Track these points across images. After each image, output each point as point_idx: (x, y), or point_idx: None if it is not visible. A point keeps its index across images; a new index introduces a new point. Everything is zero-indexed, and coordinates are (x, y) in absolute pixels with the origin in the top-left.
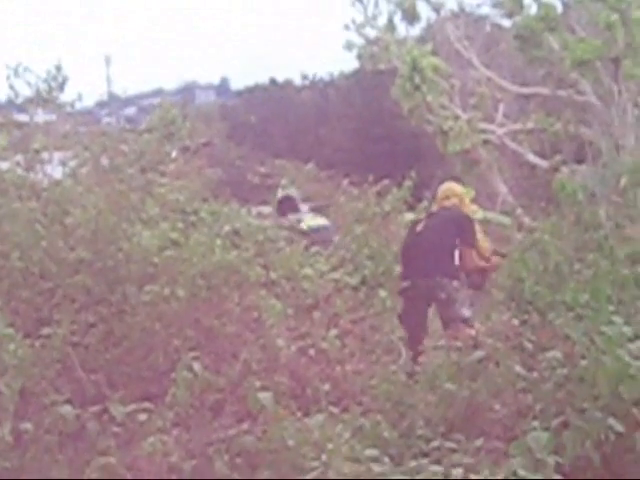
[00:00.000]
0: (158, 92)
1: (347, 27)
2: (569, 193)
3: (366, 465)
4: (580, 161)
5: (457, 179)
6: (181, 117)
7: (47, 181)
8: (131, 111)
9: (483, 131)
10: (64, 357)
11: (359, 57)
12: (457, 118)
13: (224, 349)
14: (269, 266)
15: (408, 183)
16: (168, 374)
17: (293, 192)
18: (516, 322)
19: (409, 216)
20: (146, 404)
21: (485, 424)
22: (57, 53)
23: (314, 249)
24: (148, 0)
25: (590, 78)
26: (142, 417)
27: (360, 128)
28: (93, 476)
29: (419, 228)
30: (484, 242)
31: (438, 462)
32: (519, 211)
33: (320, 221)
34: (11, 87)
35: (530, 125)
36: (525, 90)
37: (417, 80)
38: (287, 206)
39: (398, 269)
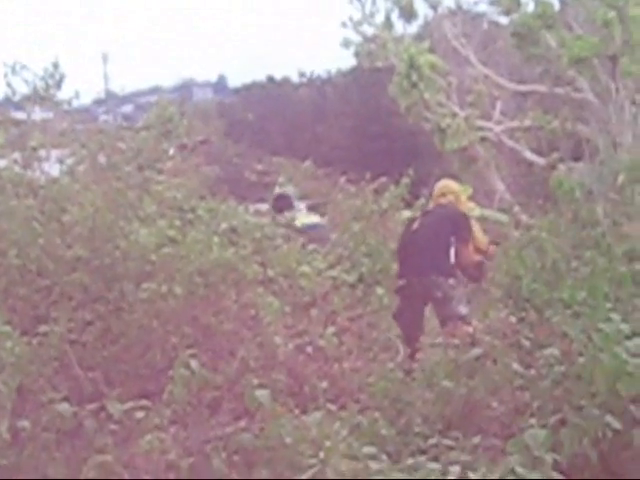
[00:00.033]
0: (155, 90)
1: (344, 25)
2: (566, 191)
3: (364, 462)
4: (577, 159)
5: (454, 177)
6: (178, 115)
7: (44, 179)
8: (128, 109)
9: (480, 129)
10: (61, 355)
11: (356, 55)
12: (454, 115)
13: (221, 347)
14: (266, 264)
15: (405, 180)
16: (165, 372)
17: (290, 190)
18: (513, 319)
19: (406, 213)
20: (143, 402)
21: (482, 421)
22: (55, 51)
23: (311, 247)
24: None
25: (587, 76)
26: (139, 415)
27: (357, 126)
28: (90, 474)
29: (414, 226)
30: (481, 236)
31: (436, 459)
32: (516, 208)
33: (314, 219)
34: (8, 85)
35: (527, 122)
36: (522, 88)
37: (414, 78)
38: (282, 204)
39: (395, 267)
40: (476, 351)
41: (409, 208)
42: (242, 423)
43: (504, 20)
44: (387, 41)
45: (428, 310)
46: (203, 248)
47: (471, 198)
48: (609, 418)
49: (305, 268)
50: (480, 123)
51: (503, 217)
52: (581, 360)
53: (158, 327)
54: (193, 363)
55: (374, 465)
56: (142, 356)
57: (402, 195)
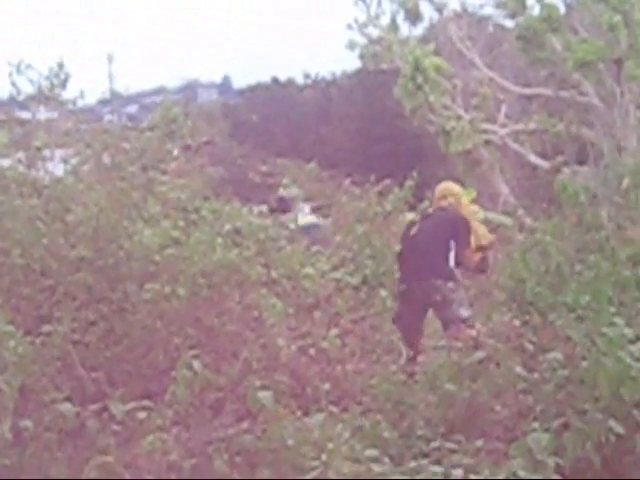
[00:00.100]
0: (160, 90)
1: (350, 26)
2: (571, 194)
3: (366, 465)
4: (582, 162)
5: (458, 179)
6: (183, 115)
7: (48, 178)
8: (133, 109)
9: (485, 131)
10: (64, 355)
11: (361, 57)
12: (459, 118)
13: (224, 348)
14: (270, 265)
15: (410, 183)
16: (168, 372)
17: (294, 191)
18: (517, 323)
19: (410, 216)
20: (146, 402)
21: (485, 425)
22: (60, 51)
23: (314, 248)
24: None
25: (592, 79)
26: (142, 415)
27: (362, 128)
28: (92, 474)
29: (414, 231)
30: (483, 233)
31: (438, 462)
32: (521, 212)
33: (311, 219)
34: (13, 84)
35: (532, 126)
36: (527, 91)
37: (419, 80)
38: (280, 206)
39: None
40: (479, 354)
41: (413, 210)
42: (244, 424)
43: (510, 23)
44: (392, 43)
45: (430, 314)
46: (207, 249)
47: (475, 201)
48: (612, 422)
49: (309, 270)
50: (485, 126)
51: (507, 220)
52: (584, 364)
53: (161, 328)
54: (196, 364)
55: (376, 468)
56: (145, 357)
57: (406, 197)
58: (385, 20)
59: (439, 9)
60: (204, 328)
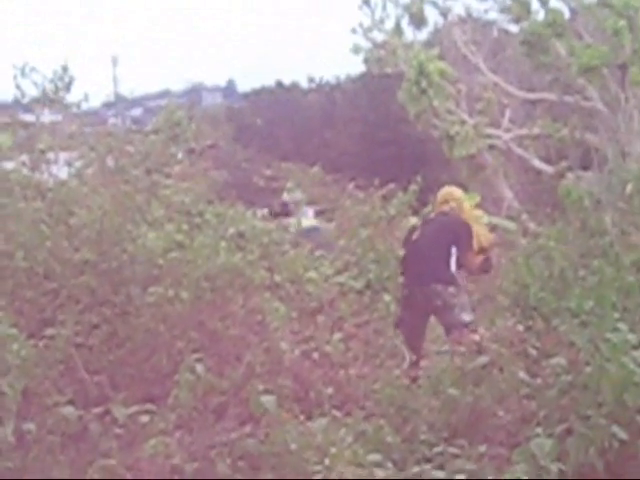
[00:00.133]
0: (165, 93)
1: (354, 30)
2: (575, 199)
3: (369, 470)
4: (586, 167)
5: (462, 184)
6: (187, 119)
7: (52, 181)
8: (137, 112)
9: (489, 136)
10: (67, 358)
11: (366, 61)
12: (463, 123)
13: (227, 352)
14: (274, 269)
15: (414, 187)
16: (171, 376)
17: (298, 195)
18: (521, 328)
19: (414, 220)
20: (149, 406)
21: (489, 430)
22: (64, 53)
23: (318, 252)
24: (156, 2)
25: (597, 84)
26: (144, 419)
27: (366, 132)
28: (95, 477)
29: (415, 236)
30: (485, 234)
31: (441, 467)
32: (524, 216)
33: (311, 223)
34: (18, 87)
35: (536, 131)
36: (531, 96)
37: (424, 84)
38: (282, 210)
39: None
40: (483, 359)
41: (417, 215)
42: (247, 428)
43: (514, 28)
44: (397, 47)
45: (433, 318)
46: (210, 253)
47: (479, 205)
48: (615, 428)
49: (312, 274)
50: (489, 131)
51: (511, 225)
52: (588, 370)
53: (164, 331)
54: (199, 368)
55: (379, 472)
56: (148, 360)
57: (410, 202)
58: (390, 24)
59: (444, 14)
60: (207, 332)
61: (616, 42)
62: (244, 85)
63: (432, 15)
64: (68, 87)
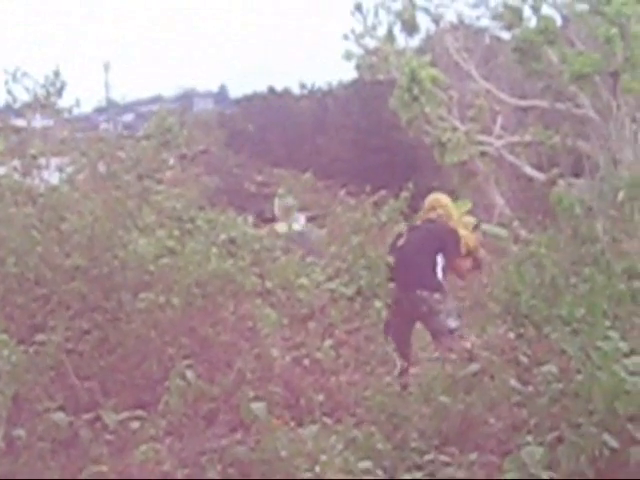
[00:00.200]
0: (157, 99)
1: (346, 37)
2: (566, 206)
3: (359, 477)
4: (577, 175)
5: (451, 191)
6: (178, 125)
7: (44, 187)
8: (129, 117)
9: (481, 143)
10: (58, 364)
11: (358, 67)
12: (455, 130)
13: (218, 358)
14: (265, 275)
15: (405, 194)
16: (162, 382)
17: (290, 201)
18: (512, 336)
19: (403, 227)
20: (139, 412)
21: (479, 438)
22: (56, 59)
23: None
24: (148, 7)
25: (589, 92)
26: (135, 425)
27: (358, 138)
28: None
29: (401, 242)
30: (470, 238)
31: (432, 475)
32: (516, 223)
33: (295, 227)
34: (9, 92)
35: (528, 138)
36: (523, 103)
37: (416, 91)
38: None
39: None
40: (474, 367)
41: (408, 221)
42: (238, 435)
43: (506, 35)
44: (389, 54)
45: (420, 325)
46: (201, 259)
47: (470, 212)
48: (606, 436)
49: (303, 280)
50: (480, 137)
51: (502, 232)
52: (579, 378)
53: (155, 337)
54: (189, 374)
55: None
56: (138, 366)
57: (401, 208)
58: (382, 31)
59: (436, 20)
60: (198, 338)
61: (608, 50)
62: (236, 91)
63: (424, 22)
64: (60, 92)
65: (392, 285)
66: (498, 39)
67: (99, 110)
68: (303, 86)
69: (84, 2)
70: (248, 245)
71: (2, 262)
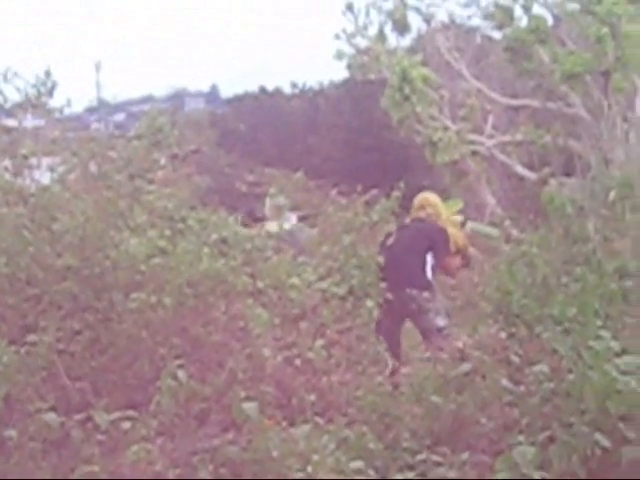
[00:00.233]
0: (148, 99)
1: (338, 36)
2: (557, 206)
3: (351, 477)
4: (569, 174)
5: (442, 190)
6: (170, 124)
7: (35, 187)
8: (120, 117)
9: (472, 142)
10: (49, 364)
11: (349, 67)
12: (446, 129)
13: (210, 358)
14: (256, 275)
15: (396, 193)
16: (153, 382)
17: (281, 201)
18: (503, 335)
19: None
20: (130, 412)
21: (471, 437)
22: (47, 59)
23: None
24: (140, 8)
25: (580, 91)
26: (126, 425)
27: (349, 138)
28: None
29: (389, 242)
30: (458, 236)
31: (423, 475)
32: (507, 223)
33: (284, 226)
34: (0, 92)
35: (519, 137)
36: (514, 102)
37: (407, 91)
38: (252, 215)
39: None
40: (465, 366)
41: (399, 221)
42: (229, 435)
43: (497, 34)
44: (380, 54)
45: (410, 324)
46: (193, 259)
47: (462, 212)
48: (598, 436)
49: (295, 280)
50: (472, 137)
51: (493, 231)
52: (571, 377)
53: (147, 337)
54: (181, 374)
55: None
56: (130, 366)
57: (393, 208)
58: (373, 30)
59: (427, 20)
60: (190, 338)
61: (599, 49)
62: (227, 91)
63: (415, 21)
64: (51, 92)
65: (384, 285)
66: (489, 38)
67: (90, 110)
68: (294, 86)
69: (75, 2)
70: (240, 245)
71: None
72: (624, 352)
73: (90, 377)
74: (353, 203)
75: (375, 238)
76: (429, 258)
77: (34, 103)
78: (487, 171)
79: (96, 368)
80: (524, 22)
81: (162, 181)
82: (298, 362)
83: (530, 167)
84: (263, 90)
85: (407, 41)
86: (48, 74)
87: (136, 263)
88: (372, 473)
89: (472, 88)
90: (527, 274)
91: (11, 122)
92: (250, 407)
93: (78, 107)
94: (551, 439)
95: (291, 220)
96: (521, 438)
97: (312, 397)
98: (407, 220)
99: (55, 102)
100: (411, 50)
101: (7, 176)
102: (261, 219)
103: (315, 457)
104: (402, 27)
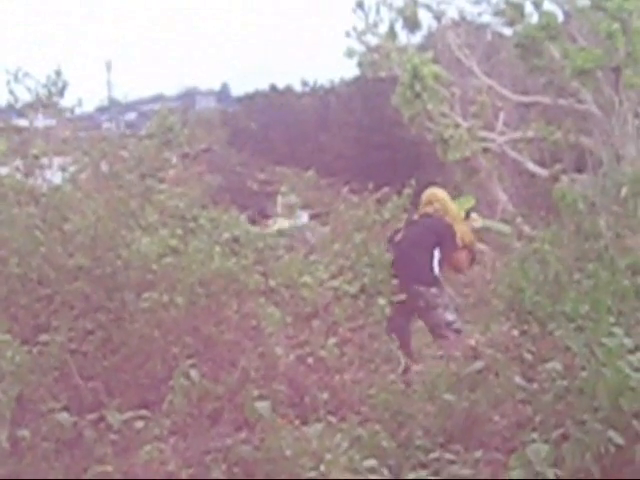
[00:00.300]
0: (159, 98)
1: (348, 34)
2: (569, 202)
3: (364, 476)
4: (580, 170)
5: (453, 187)
6: (180, 123)
7: (46, 186)
8: (131, 116)
9: (483, 139)
10: (62, 364)
11: (360, 64)
12: (457, 126)
13: (222, 357)
14: (268, 274)
15: (408, 191)
16: (166, 382)
17: (293, 199)
18: (516, 333)
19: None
20: (143, 412)
21: (484, 435)
22: (58, 58)
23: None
24: (149, 7)
25: (591, 87)
26: (139, 425)
27: (360, 135)
28: None
29: (398, 238)
30: (465, 233)
31: (437, 473)
32: (519, 220)
33: (291, 222)
34: (11, 92)
35: (530, 134)
36: (525, 99)
37: (418, 88)
38: (261, 213)
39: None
40: (478, 364)
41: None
42: (242, 434)
43: (508, 31)
44: (391, 51)
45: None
46: (205, 258)
47: (473, 208)
48: (612, 433)
49: (307, 279)
50: (483, 134)
51: (505, 228)
52: (584, 374)
53: (159, 337)
54: (193, 373)
55: (375, 478)
56: (142, 366)
57: (404, 205)
58: (383, 28)
59: (437, 17)
60: (202, 337)
61: (610, 45)
62: (238, 89)
63: (426, 19)
64: (62, 92)
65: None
66: (500, 35)
67: (101, 109)
68: (305, 84)
69: (86, 2)
70: (251, 244)
71: (5, 262)
72: (637, 349)
73: (102, 377)
74: (364, 201)
75: (387, 236)
76: (436, 253)
77: (45, 103)
78: (498, 168)
79: (108, 368)
80: (535, 18)
81: (173, 180)
82: (310, 360)
83: (541, 164)
84: (274, 88)
85: (418, 38)
86: (59, 74)
87: (148, 262)
88: (385, 472)
89: (483, 85)
90: (539, 271)
91: (22, 122)
92: (263, 406)
93: (89, 107)
94: (564, 437)
95: (302, 218)
96: (534, 436)
97: (325, 395)
98: (415, 216)
99: (66, 102)
100: (422, 47)
101: (18, 176)
102: (270, 217)
103: (328, 456)
104: (413, 24)
